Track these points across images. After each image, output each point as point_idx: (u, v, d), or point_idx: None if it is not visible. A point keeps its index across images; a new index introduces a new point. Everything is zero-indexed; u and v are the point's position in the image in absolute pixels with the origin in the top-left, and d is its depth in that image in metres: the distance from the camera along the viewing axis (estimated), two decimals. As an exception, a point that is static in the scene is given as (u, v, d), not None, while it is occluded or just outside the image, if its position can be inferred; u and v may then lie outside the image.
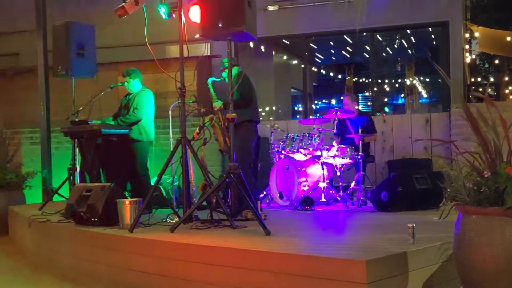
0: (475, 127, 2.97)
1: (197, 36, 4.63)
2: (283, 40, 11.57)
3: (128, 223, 4.51)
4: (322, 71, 16.93)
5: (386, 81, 16.45)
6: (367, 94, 15.81)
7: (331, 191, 6.43)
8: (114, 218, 4.66)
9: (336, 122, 7.00)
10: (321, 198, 6.36)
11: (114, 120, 6.32)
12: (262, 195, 6.85)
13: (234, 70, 5.81)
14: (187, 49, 4.77)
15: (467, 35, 9.27)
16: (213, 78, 5.95)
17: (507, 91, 12.91)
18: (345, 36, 11.23)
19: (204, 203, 4.72)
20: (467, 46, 9.29)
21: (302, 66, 10.68)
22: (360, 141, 6.58)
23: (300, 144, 6.63)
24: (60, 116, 8.02)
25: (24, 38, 10.49)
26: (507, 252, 2.71)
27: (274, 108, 13.13)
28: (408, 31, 11.46)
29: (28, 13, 9.00)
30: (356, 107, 7.49)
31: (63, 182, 6.31)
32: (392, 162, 8.19)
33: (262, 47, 11.12)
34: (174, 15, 5.25)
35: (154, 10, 5.22)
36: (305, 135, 6.65)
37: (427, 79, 16.44)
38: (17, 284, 4.68)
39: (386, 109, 17.46)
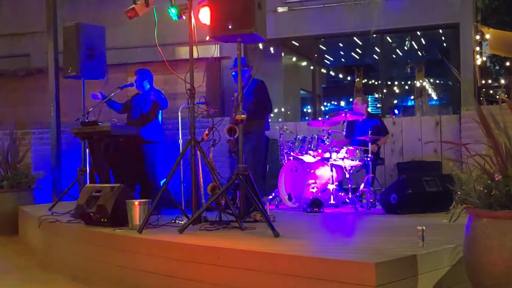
0: (486, 129, 2.95)
1: (207, 38, 4.64)
2: (292, 42, 11.56)
3: (137, 224, 4.53)
4: (331, 72, 16.87)
5: (396, 83, 16.35)
6: (376, 96, 15.73)
7: (340, 193, 6.40)
8: (123, 218, 4.67)
9: (345, 124, 6.98)
10: (330, 200, 6.34)
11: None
12: (271, 197, 6.84)
13: (244, 73, 5.79)
14: (197, 51, 4.78)
15: (477, 37, 9.21)
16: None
17: (517, 93, 12.81)
18: (354, 38, 11.19)
19: (213, 204, 4.73)
20: (477, 48, 9.22)
21: (311, 67, 10.67)
22: (376, 147, 6.58)
23: (309, 145, 6.62)
24: (70, 117, 8.06)
25: (35, 39, 10.58)
26: (518, 255, 2.69)
27: (283, 109, 13.13)
28: (418, 32, 11.41)
29: (39, 14, 9.09)
30: (366, 109, 7.45)
31: (73, 183, 6.35)
32: (402, 165, 8.16)
33: (271, 49, 11.12)
34: (184, 17, 5.25)
35: (164, 11, 5.23)
36: (314, 137, 6.64)
37: (437, 81, 16.33)
38: (26, 283, 4.71)
39: (396, 111, 17.37)
